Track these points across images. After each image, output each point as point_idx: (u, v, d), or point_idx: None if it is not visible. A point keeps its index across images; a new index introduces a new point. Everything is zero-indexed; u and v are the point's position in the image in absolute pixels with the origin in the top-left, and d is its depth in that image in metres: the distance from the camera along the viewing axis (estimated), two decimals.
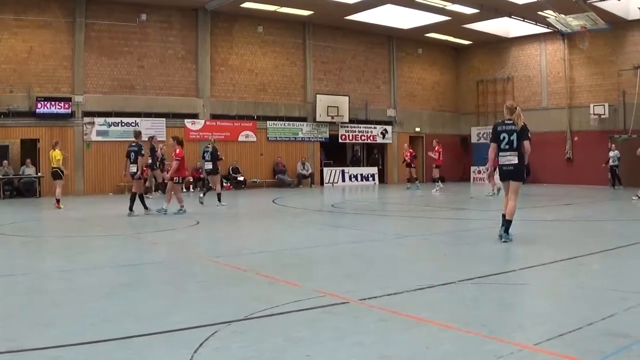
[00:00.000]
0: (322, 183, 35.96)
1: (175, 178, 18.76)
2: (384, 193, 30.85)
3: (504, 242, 11.68)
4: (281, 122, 34.35)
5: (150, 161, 23.48)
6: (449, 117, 42.80)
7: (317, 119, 35.36)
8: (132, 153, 18.54)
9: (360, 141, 38.70)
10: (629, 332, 5.57)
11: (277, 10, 31.81)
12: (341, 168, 37.70)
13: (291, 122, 34.76)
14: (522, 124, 11.73)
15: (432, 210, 20.74)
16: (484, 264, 9.51)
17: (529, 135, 11.88)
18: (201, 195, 22.38)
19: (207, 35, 31.62)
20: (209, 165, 21.75)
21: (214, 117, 31.95)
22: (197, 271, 9.24)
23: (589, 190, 29.38)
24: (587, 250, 10.69)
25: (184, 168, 19.40)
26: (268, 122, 33.84)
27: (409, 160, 31.19)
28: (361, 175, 38.23)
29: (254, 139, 33.08)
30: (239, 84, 32.88)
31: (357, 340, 5.39)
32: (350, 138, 37.85)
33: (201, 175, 29.56)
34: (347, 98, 36.35)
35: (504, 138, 11.83)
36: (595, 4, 28.80)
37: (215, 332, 5.60)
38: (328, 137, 36.51)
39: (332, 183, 36.22)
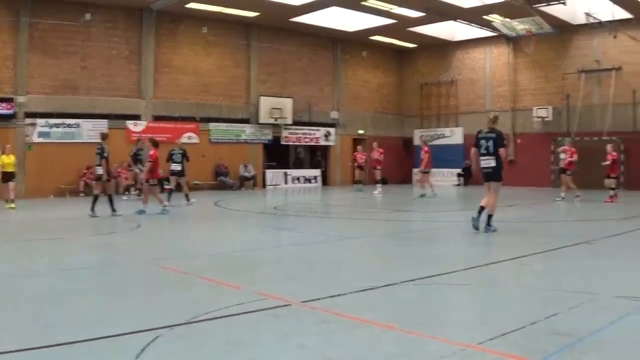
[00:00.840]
0: (264, 185, 35.78)
1: (150, 180, 19.18)
2: (326, 195, 30.94)
3: (486, 232, 13.32)
4: (224, 124, 34.10)
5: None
6: (392, 119, 43.09)
7: (260, 121, 35.17)
8: (97, 155, 18.40)
9: (303, 143, 38.70)
10: (571, 331, 5.71)
11: (223, 11, 31.61)
12: (284, 170, 37.60)
13: (234, 124, 34.52)
14: (499, 131, 13.63)
15: (375, 212, 20.90)
16: (427, 265, 9.64)
17: (504, 142, 13.73)
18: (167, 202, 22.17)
19: (152, 36, 31.27)
20: (177, 167, 22.53)
21: (156, 118, 31.55)
22: (138, 275, 9.18)
23: (532, 192, 29.81)
24: (530, 251, 10.91)
25: (158, 169, 19.62)
26: (210, 123, 33.52)
27: (361, 163, 31.39)
28: (304, 177, 38.17)
29: (197, 141, 32.64)
30: (182, 85, 32.56)
31: (300, 343, 5.42)
32: (294, 140, 37.78)
33: None
34: (290, 100, 36.28)
35: (482, 145, 13.61)
36: (541, 8, 29.16)
37: (158, 336, 5.58)
38: (271, 139, 36.33)
39: (275, 185, 36.16)
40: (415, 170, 38.80)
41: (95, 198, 18.14)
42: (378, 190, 29.38)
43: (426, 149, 26.89)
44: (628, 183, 31.62)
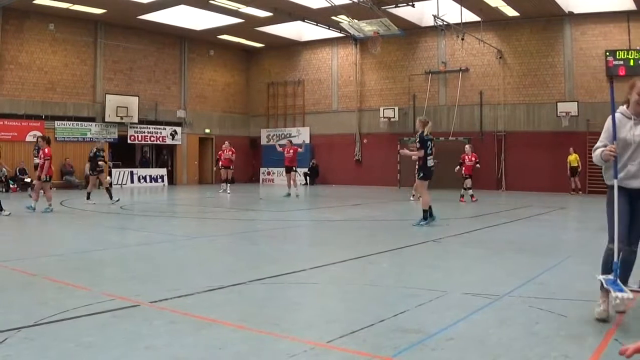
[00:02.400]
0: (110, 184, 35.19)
1: (43, 177, 19.29)
2: (173, 194, 30.69)
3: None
4: (70, 122, 33.35)
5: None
6: (239, 118, 43.24)
7: (106, 119, 34.63)
8: None
9: (149, 142, 38.30)
10: (420, 328, 5.90)
11: (70, 7, 30.85)
12: (130, 169, 37.15)
13: (80, 122, 33.82)
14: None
15: (222, 212, 20.93)
16: (274, 264, 9.78)
17: None
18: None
19: None
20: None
21: (1, 116, 30.48)
22: None
23: (378, 191, 30.43)
24: (376, 250, 11.19)
25: (50, 167, 19.66)
26: (56, 122, 32.74)
27: (224, 162, 31.34)
28: (150, 176, 37.85)
29: None
30: (28, 82, 31.63)
31: (149, 344, 5.41)
32: (140, 139, 37.33)
33: None
34: (136, 98, 35.90)
35: (428, 145, 15.38)
36: (390, 10, 29.80)
37: (6, 339, 5.46)
38: (117, 137, 35.76)
39: (121, 184, 35.60)
40: (265, 169, 39.46)
41: None
42: (223, 188, 29.63)
43: (295, 147, 27.46)
44: (473, 182, 32.85)
